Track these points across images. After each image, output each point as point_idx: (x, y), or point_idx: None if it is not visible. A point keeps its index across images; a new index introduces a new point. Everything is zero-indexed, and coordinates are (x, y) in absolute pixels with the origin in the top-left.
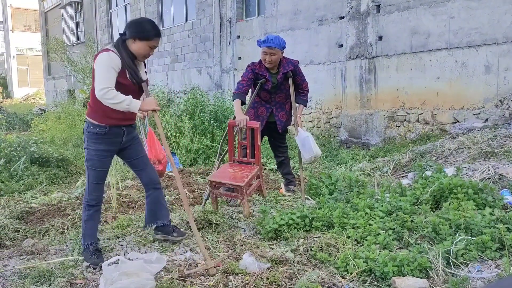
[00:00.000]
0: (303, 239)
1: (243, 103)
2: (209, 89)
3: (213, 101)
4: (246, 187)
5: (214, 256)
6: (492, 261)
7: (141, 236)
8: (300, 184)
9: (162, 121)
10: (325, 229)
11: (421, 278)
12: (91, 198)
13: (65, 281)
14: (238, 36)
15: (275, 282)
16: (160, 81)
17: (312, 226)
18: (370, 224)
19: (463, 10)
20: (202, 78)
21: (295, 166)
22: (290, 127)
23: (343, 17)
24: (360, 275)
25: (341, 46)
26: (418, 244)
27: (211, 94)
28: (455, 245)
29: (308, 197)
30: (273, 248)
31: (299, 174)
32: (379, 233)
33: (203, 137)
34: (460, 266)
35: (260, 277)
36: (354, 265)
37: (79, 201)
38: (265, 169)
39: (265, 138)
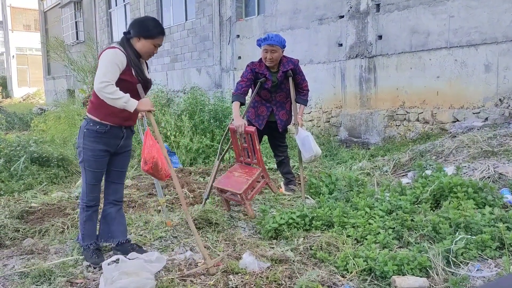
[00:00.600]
0: (303, 238)
1: (242, 104)
2: (209, 88)
3: (212, 101)
4: (245, 194)
5: (214, 255)
6: (492, 260)
7: (141, 235)
8: (300, 183)
9: (162, 121)
10: (325, 228)
11: (421, 277)
12: (89, 199)
13: (65, 280)
14: (238, 36)
15: (275, 281)
16: (159, 80)
17: (312, 225)
18: (370, 223)
19: (463, 9)
20: (202, 77)
21: (295, 165)
22: (290, 126)
23: (342, 16)
24: (360, 274)
25: (340, 45)
26: (418, 243)
27: (211, 94)
28: (455, 244)
29: (308, 196)
30: (273, 247)
31: (299, 173)
32: (379, 232)
33: (203, 137)
34: (460, 265)
35: (260, 276)
36: (354, 264)
37: (79, 201)
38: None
39: (265, 137)
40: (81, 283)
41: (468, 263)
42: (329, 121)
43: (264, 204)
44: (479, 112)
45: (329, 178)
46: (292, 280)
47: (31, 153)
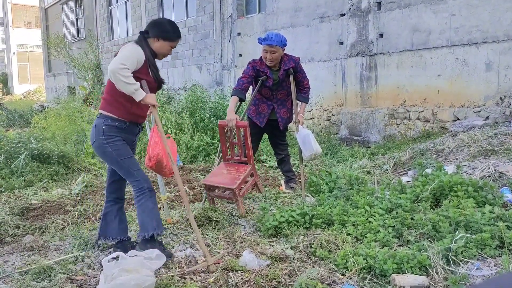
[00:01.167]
0: (303, 236)
1: (241, 99)
2: (210, 86)
3: (213, 98)
4: (238, 189)
5: (214, 253)
6: (492, 259)
7: None
8: (300, 182)
9: (163, 118)
10: (325, 227)
11: (420, 275)
12: (148, 182)
13: (65, 277)
14: (239, 33)
15: (275, 279)
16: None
17: (312, 223)
18: (370, 222)
19: (464, 7)
20: (203, 75)
21: (295, 164)
22: (290, 125)
23: (344, 14)
24: (360, 272)
25: (341, 43)
26: (418, 242)
27: (212, 91)
28: (454, 243)
29: (308, 194)
30: (273, 245)
31: (299, 171)
32: (379, 231)
33: (203, 134)
34: (459, 263)
35: (260, 274)
36: (353, 262)
37: (80, 198)
38: (265, 166)
39: (265, 135)
40: (81, 280)
41: (467, 261)
42: (329, 119)
43: (264, 202)
44: (479, 111)
45: (329, 176)
46: (292, 278)
47: (31, 150)
